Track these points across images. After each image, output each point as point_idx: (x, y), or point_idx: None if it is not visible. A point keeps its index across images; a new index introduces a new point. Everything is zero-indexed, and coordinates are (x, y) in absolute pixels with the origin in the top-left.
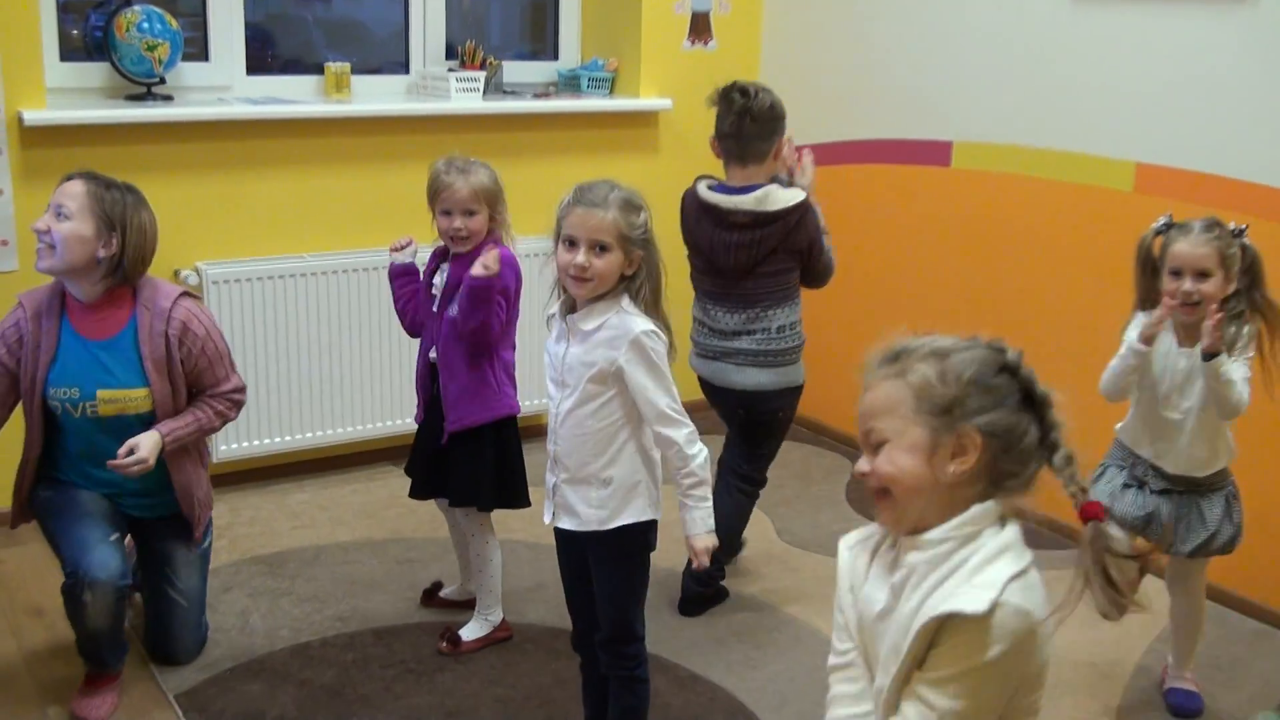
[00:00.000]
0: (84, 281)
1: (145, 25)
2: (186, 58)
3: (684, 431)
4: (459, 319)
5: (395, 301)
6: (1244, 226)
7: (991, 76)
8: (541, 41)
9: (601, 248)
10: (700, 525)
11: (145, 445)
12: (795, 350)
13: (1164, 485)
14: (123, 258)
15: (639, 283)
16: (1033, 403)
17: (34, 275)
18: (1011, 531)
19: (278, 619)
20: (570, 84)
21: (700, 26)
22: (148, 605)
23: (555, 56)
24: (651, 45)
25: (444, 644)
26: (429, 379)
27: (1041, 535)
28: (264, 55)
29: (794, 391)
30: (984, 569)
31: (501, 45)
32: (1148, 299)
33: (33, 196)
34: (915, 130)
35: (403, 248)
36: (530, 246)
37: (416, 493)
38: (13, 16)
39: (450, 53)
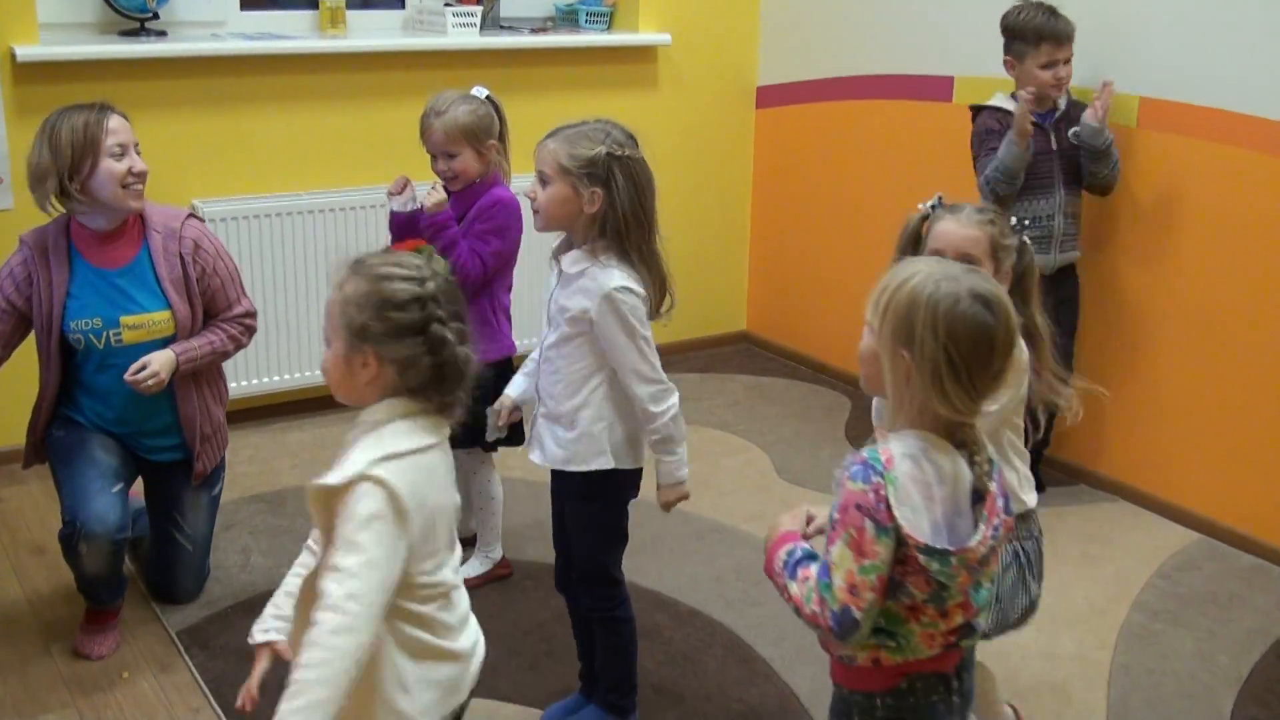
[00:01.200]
0: (115, 218)
1: None
2: None
3: (649, 389)
4: None
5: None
6: (1025, 221)
7: (993, 10)
8: None
9: (542, 178)
10: (666, 478)
11: (158, 359)
12: None
13: None
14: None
15: (602, 225)
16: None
17: (32, 213)
18: (407, 424)
19: (278, 557)
20: (568, 18)
21: None
22: (151, 546)
23: None
24: None
25: None
26: None
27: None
28: None
29: None
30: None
31: None
32: None
33: (26, 133)
34: (917, 65)
35: (400, 191)
36: (526, 183)
37: None
38: None
39: None
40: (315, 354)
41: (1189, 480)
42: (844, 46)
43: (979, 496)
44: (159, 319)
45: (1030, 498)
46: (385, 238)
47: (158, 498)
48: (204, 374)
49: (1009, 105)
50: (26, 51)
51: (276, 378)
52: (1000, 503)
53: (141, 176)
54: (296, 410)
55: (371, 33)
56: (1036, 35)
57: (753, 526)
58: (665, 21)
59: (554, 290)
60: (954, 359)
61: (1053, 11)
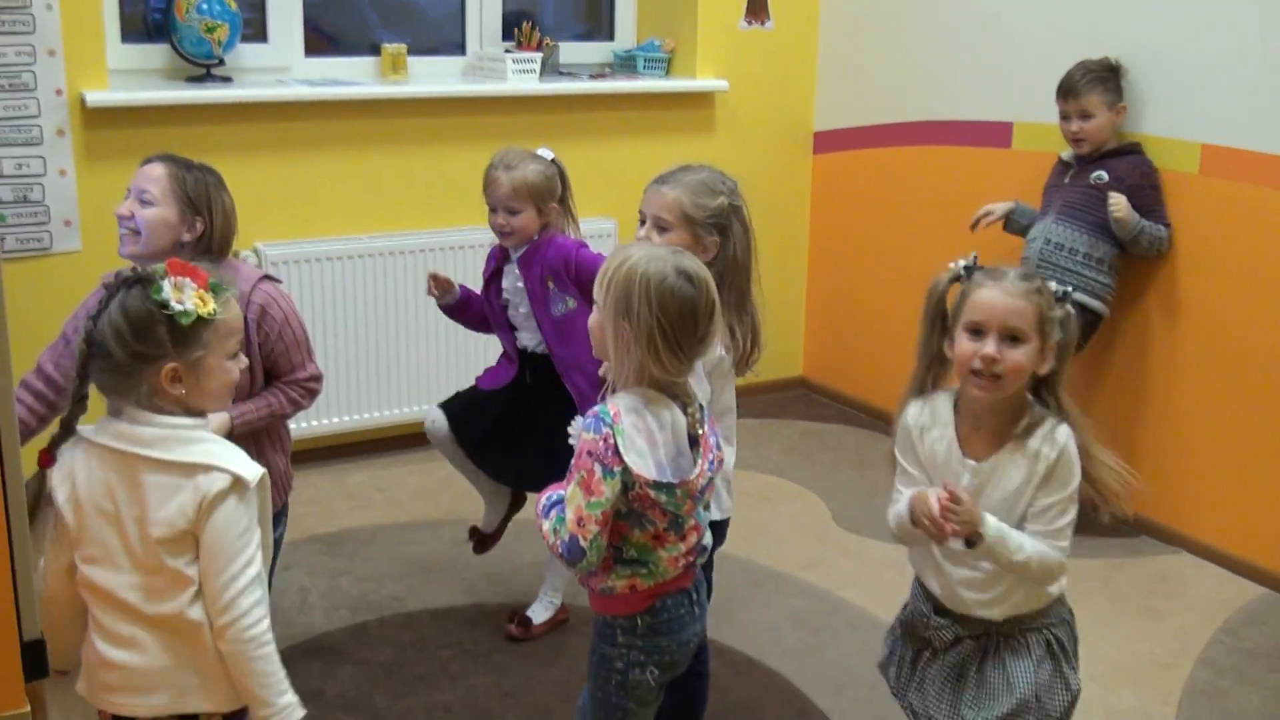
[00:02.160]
0: None
1: (205, 7)
2: (245, 39)
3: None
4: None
5: (468, 325)
6: (1069, 289)
7: (1052, 56)
8: (597, 22)
9: (660, 224)
10: None
11: (213, 422)
12: None
13: (954, 633)
14: (210, 240)
15: (716, 269)
16: None
17: (99, 256)
18: None
19: (336, 598)
20: (626, 64)
21: (758, 6)
22: None
23: (611, 37)
24: (708, 25)
25: (513, 627)
26: (519, 361)
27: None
28: (322, 37)
29: None
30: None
31: (557, 26)
32: (931, 368)
33: (95, 177)
34: (975, 111)
35: (442, 292)
36: (586, 228)
37: (493, 470)
38: (76, 0)
39: (507, 34)
40: (375, 396)
41: (1254, 533)
42: (902, 92)
43: (694, 440)
44: None
45: (1055, 587)
46: (447, 276)
47: None
48: (263, 429)
49: (1066, 155)
50: (97, 97)
51: (336, 419)
52: (713, 440)
53: (121, 220)
54: (356, 452)
55: (432, 79)
56: (1056, 88)
57: (810, 574)
58: (723, 67)
59: None
60: (665, 327)
61: (1084, 66)
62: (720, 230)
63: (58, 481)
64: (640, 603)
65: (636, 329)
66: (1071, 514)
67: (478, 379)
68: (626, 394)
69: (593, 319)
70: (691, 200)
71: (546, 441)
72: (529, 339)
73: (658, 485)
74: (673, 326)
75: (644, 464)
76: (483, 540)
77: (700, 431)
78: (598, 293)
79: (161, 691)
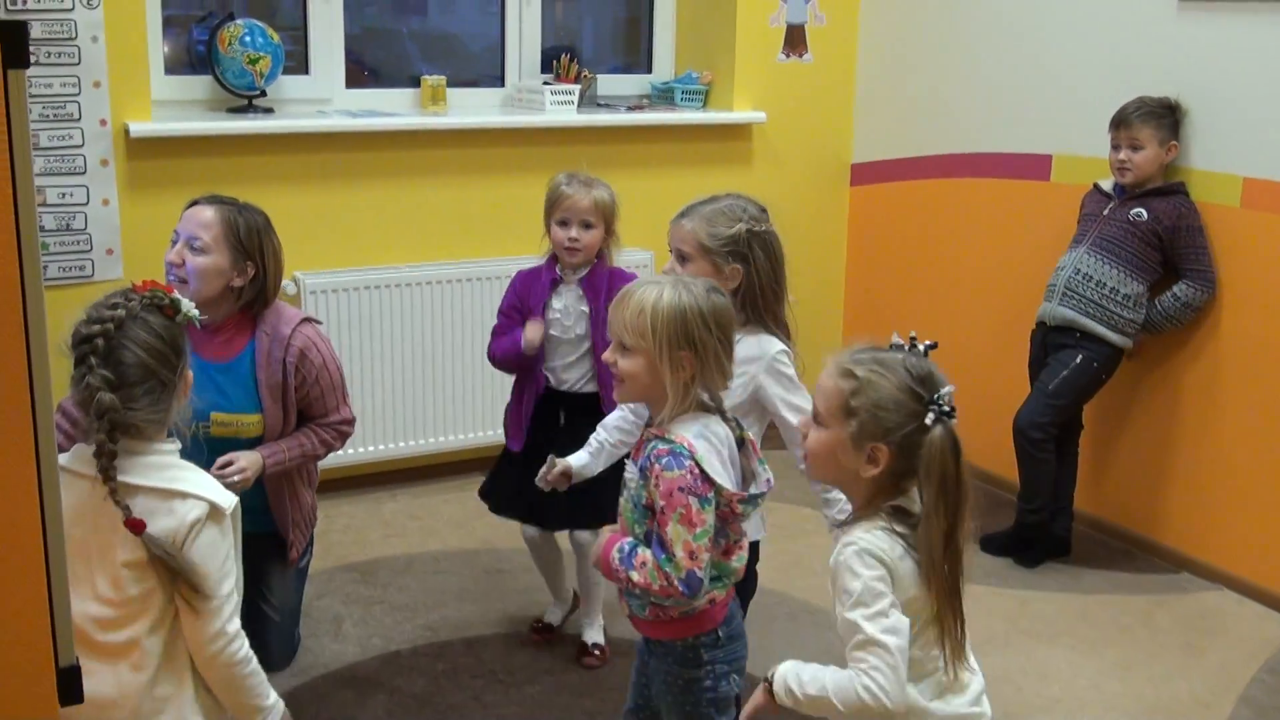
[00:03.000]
0: (214, 310)
1: (247, 39)
2: (287, 71)
3: None
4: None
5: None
6: (925, 346)
7: (1092, 88)
8: (636, 55)
9: (681, 256)
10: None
11: (246, 459)
12: None
13: None
14: (263, 284)
15: (737, 295)
16: None
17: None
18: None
19: (369, 627)
20: (664, 97)
21: (795, 39)
22: (241, 614)
23: (649, 69)
24: (746, 58)
25: (593, 657)
26: (543, 408)
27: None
28: (362, 69)
29: None
30: None
31: (596, 59)
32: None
33: (138, 207)
34: (1014, 143)
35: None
36: (624, 259)
37: (575, 520)
38: (121, 32)
39: (545, 66)
40: (411, 425)
41: None
42: (939, 124)
43: (741, 443)
44: (249, 420)
45: None
46: (482, 309)
47: (245, 569)
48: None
49: (1105, 184)
50: (140, 128)
51: (372, 448)
52: (756, 443)
53: (170, 267)
54: (391, 481)
55: (471, 110)
56: (1111, 119)
57: None
58: (760, 99)
59: None
60: (722, 342)
61: (1141, 100)
62: (740, 258)
63: None
64: (719, 614)
65: (702, 353)
66: (871, 630)
67: (508, 437)
68: (682, 422)
69: (635, 365)
70: (707, 230)
71: (588, 480)
72: (565, 370)
73: (747, 499)
74: (728, 339)
75: (728, 482)
76: (547, 630)
77: (745, 435)
78: (636, 338)
79: None
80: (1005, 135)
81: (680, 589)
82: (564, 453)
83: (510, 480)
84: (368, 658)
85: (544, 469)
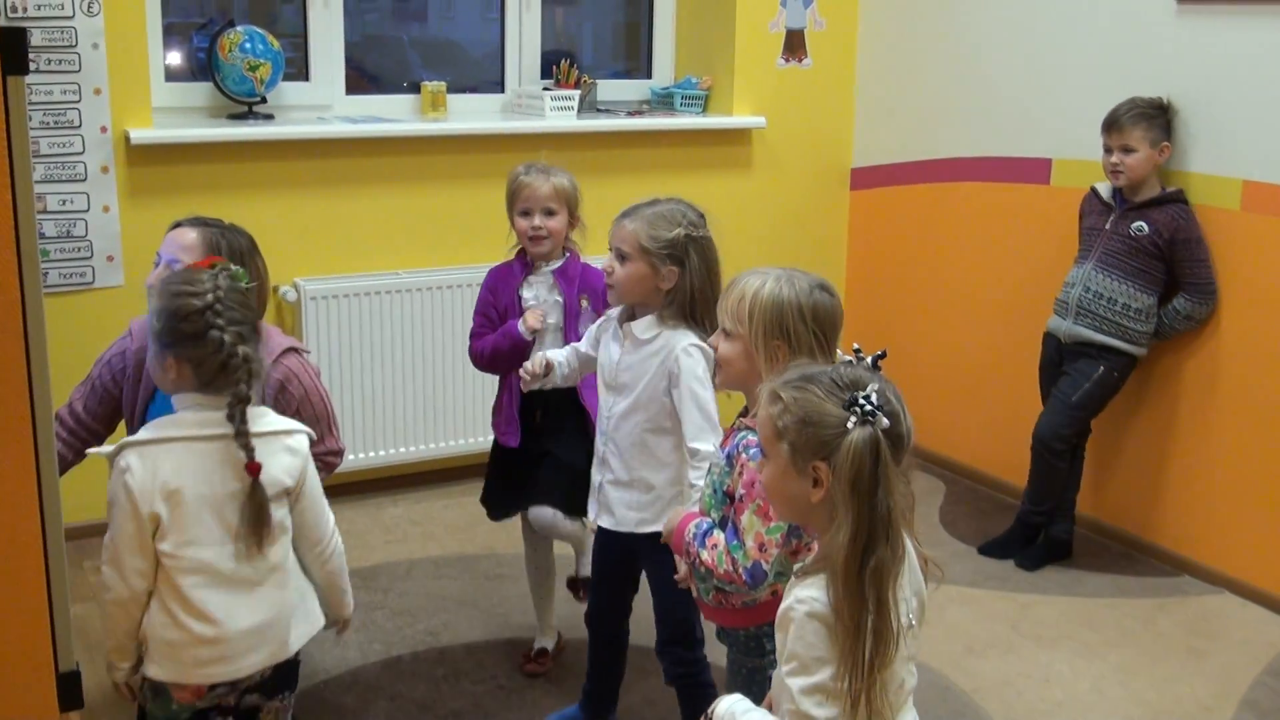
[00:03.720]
0: None
1: (248, 46)
2: (287, 78)
3: (708, 447)
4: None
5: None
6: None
7: (1092, 91)
8: (635, 60)
9: (620, 255)
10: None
11: None
12: None
13: None
14: None
15: (670, 296)
16: None
17: (140, 292)
18: (191, 415)
19: (370, 633)
20: (664, 102)
21: (795, 44)
22: None
23: (649, 75)
24: (746, 63)
25: (532, 664)
26: (526, 404)
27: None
28: (362, 75)
29: None
30: None
31: (596, 64)
32: None
33: (138, 213)
34: (1014, 147)
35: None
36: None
37: (505, 510)
38: (121, 39)
39: (545, 72)
40: (412, 431)
41: None
42: (939, 128)
43: None
44: None
45: None
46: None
47: None
48: None
49: (1103, 190)
50: (141, 135)
51: (372, 454)
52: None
53: (151, 291)
54: (391, 486)
55: (471, 116)
56: (1102, 123)
57: None
58: (760, 104)
59: (618, 359)
60: (819, 336)
61: (1132, 102)
62: (677, 261)
63: (140, 486)
64: (778, 604)
65: (795, 346)
66: (804, 705)
67: (500, 434)
68: None
69: (730, 349)
70: (648, 232)
71: (570, 472)
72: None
73: None
74: (826, 335)
75: None
76: (540, 659)
77: None
78: (734, 324)
79: (262, 648)
80: (1005, 139)
81: (744, 577)
82: (547, 448)
83: (509, 479)
84: (369, 663)
85: (528, 365)
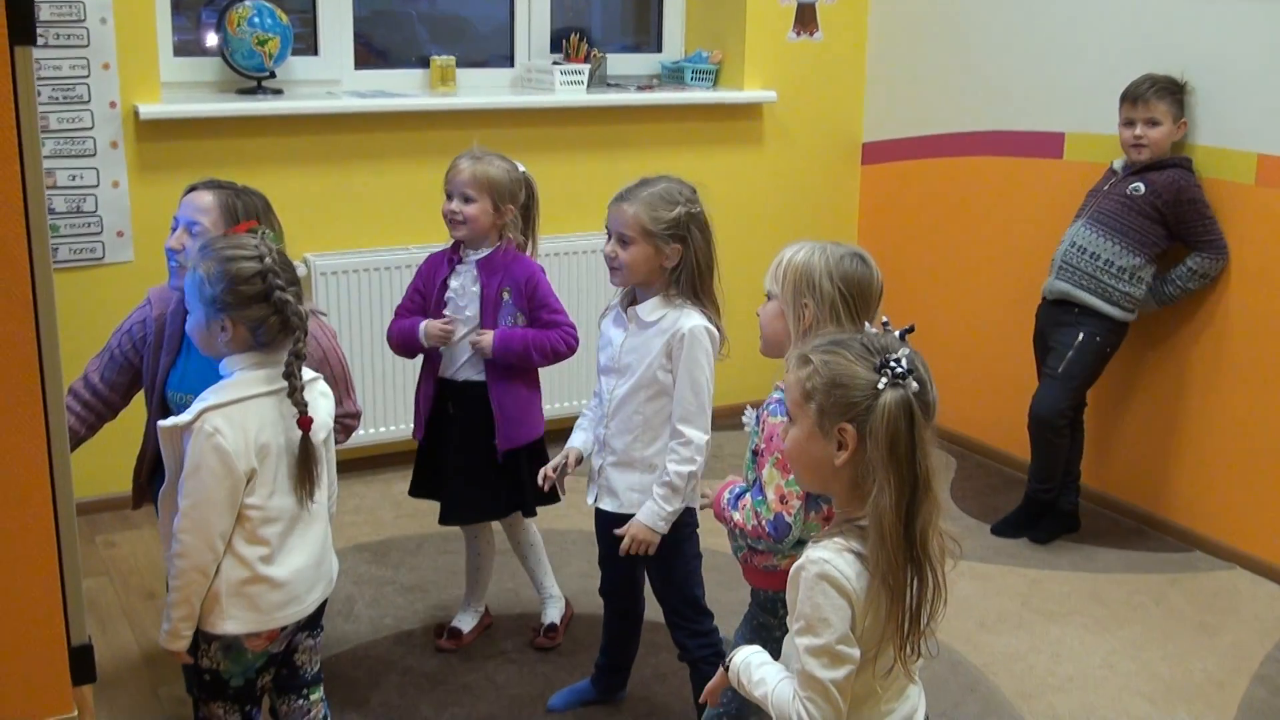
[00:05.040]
0: None
1: (256, 20)
2: (296, 52)
3: (693, 432)
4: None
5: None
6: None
7: (1105, 65)
8: (645, 34)
9: (623, 239)
10: (646, 516)
11: None
12: None
13: None
14: None
15: (675, 274)
16: None
17: (151, 267)
18: (252, 374)
19: (382, 607)
20: (674, 76)
21: (806, 17)
22: None
23: (659, 49)
24: (756, 37)
25: (444, 641)
26: (436, 396)
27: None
28: (371, 50)
29: None
30: None
31: (605, 38)
32: None
33: (148, 188)
34: (1026, 122)
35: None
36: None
37: (461, 516)
38: (130, 14)
39: (555, 46)
40: None
41: None
42: (951, 102)
43: None
44: None
45: None
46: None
47: None
48: None
49: (1118, 165)
50: (150, 110)
51: (383, 429)
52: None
53: (170, 253)
54: (402, 462)
55: (481, 91)
56: (1122, 95)
57: None
58: (771, 79)
59: (621, 341)
60: (846, 297)
61: (1151, 78)
62: (679, 239)
63: (234, 446)
64: None
65: (820, 302)
66: (812, 666)
67: (417, 435)
68: None
69: (769, 309)
70: (649, 214)
71: (468, 474)
72: (457, 349)
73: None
74: (855, 301)
75: None
76: (455, 637)
77: None
78: (774, 285)
79: (318, 584)
80: (1017, 113)
81: (768, 530)
82: (451, 442)
83: (424, 463)
84: (380, 638)
85: (556, 461)
